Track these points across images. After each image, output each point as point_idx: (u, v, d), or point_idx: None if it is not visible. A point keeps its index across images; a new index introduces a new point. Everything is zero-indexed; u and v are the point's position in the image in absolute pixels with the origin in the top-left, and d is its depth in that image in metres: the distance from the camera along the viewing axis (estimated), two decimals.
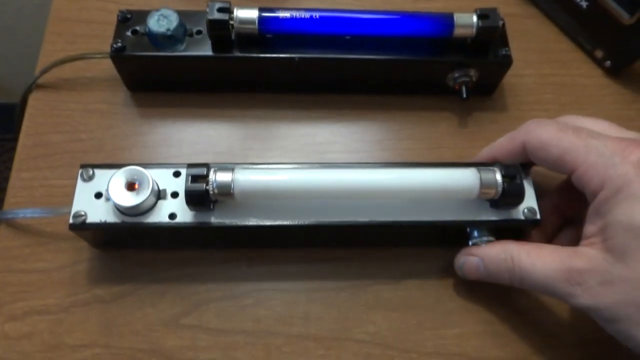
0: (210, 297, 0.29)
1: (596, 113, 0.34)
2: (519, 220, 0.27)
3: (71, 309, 0.28)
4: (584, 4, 0.35)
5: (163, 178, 0.27)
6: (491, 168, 0.27)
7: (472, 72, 0.32)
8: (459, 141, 0.33)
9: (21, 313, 0.28)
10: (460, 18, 0.31)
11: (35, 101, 0.34)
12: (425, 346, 0.29)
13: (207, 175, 0.26)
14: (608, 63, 0.36)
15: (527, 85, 0.35)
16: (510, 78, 0.35)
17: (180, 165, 0.28)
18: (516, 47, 0.33)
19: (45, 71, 0.33)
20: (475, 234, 0.28)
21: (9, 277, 0.29)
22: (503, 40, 0.32)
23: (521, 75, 0.36)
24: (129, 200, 0.26)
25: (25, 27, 0.79)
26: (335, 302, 0.29)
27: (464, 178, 0.26)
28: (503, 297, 0.30)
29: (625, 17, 0.32)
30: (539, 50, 0.37)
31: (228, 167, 0.26)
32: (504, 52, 0.32)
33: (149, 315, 0.28)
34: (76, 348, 0.27)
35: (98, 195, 0.27)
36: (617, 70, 0.36)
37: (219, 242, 0.30)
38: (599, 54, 0.36)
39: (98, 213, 0.27)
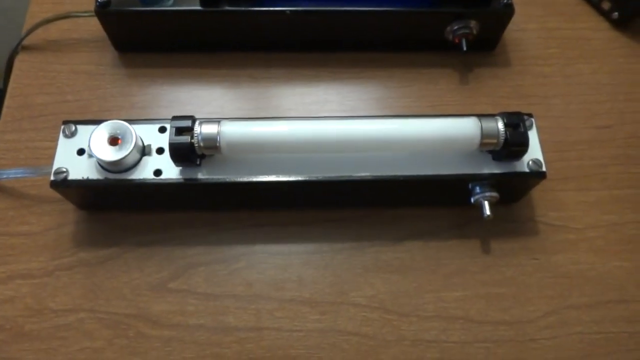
0: (199, 261, 0.28)
1: (603, 67, 0.32)
2: (524, 173, 0.26)
3: (55, 273, 0.27)
4: None
5: (148, 134, 0.26)
6: (493, 117, 0.25)
7: (472, 24, 0.31)
8: (460, 98, 0.32)
9: (4, 277, 0.27)
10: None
11: (20, 63, 0.33)
12: (425, 310, 0.27)
13: (192, 128, 0.24)
14: (615, 14, 0.34)
15: (530, 40, 0.34)
16: (513, 32, 0.33)
17: (166, 120, 0.26)
18: (519, 0, 0.31)
19: (30, 31, 0.32)
20: (477, 189, 0.26)
21: None
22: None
23: (524, 29, 0.34)
24: (112, 155, 0.25)
25: None
26: (331, 264, 0.28)
27: (465, 127, 0.25)
28: (508, 258, 0.28)
29: None
30: (543, 3, 0.35)
31: (214, 120, 0.25)
32: (505, 2, 0.30)
33: (136, 279, 0.27)
34: (60, 313, 0.26)
35: (80, 152, 0.26)
36: (625, 22, 0.34)
37: (208, 202, 0.29)
38: (606, 5, 0.34)
39: (80, 170, 0.25)
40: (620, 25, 0.34)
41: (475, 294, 0.28)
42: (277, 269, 0.28)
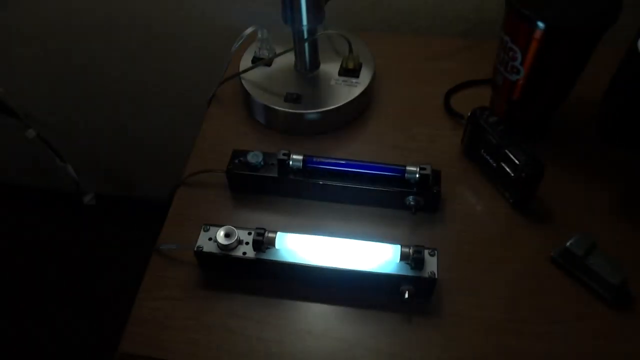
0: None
1: (500, 239, 0.57)
2: (425, 278, 0.50)
3: (187, 299, 0.54)
4: (494, 163, 0.59)
5: (243, 234, 0.54)
6: (406, 246, 0.51)
7: (419, 199, 0.57)
8: (406, 234, 0.57)
9: (159, 297, 0.54)
10: (409, 169, 0.56)
11: (179, 200, 0.62)
12: None
13: (263, 234, 0.52)
14: (511, 200, 0.59)
15: (459, 211, 0.59)
16: (448, 206, 0.59)
17: (252, 229, 0.54)
18: (448, 188, 0.57)
19: (185, 178, 0.63)
20: (402, 284, 0.51)
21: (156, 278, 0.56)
22: (436, 182, 0.57)
23: (455, 203, 0.60)
24: (225, 241, 0.52)
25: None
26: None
27: (390, 250, 0.50)
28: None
29: (512, 174, 0.56)
30: (470, 190, 0.61)
31: (273, 231, 0.52)
32: (436, 190, 0.57)
33: (226, 307, 0.53)
34: (181, 320, 0.53)
35: (210, 239, 0.54)
36: (517, 207, 0.59)
37: (268, 273, 0.55)
38: (505, 194, 0.60)
39: (209, 248, 0.53)
40: (517, 209, 0.59)
41: None
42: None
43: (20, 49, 1.10)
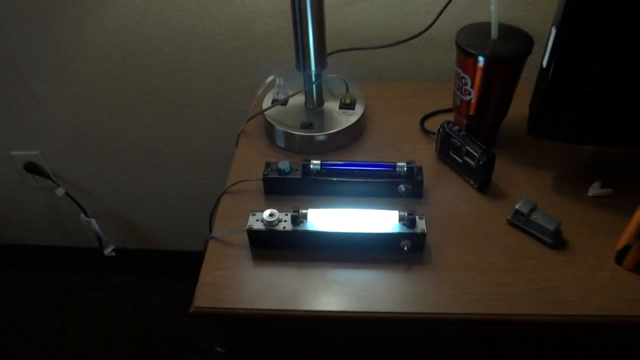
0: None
1: (470, 212, 0.77)
2: (418, 233, 0.70)
3: (238, 268, 0.72)
4: (460, 160, 0.81)
5: (281, 215, 0.73)
6: (402, 211, 0.70)
7: (408, 186, 0.78)
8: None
9: (218, 268, 0.72)
10: (399, 165, 0.77)
11: (224, 203, 0.81)
12: None
13: (298, 211, 0.71)
14: (475, 186, 0.80)
15: (437, 196, 0.80)
16: (429, 193, 0.80)
17: (288, 211, 0.73)
18: (428, 182, 0.78)
19: (228, 188, 0.82)
20: (402, 240, 0.70)
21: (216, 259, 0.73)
22: (419, 173, 0.78)
23: (434, 191, 0.80)
24: (269, 219, 0.71)
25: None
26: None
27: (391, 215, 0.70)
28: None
29: (472, 164, 0.78)
30: (444, 182, 0.82)
31: (305, 209, 0.72)
32: (419, 179, 0.77)
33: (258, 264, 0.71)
34: (237, 282, 0.70)
35: (257, 220, 0.73)
36: (480, 189, 0.80)
37: (305, 244, 0.73)
38: (470, 181, 0.81)
39: (257, 226, 0.72)
40: (478, 190, 0.80)
41: None
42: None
43: (53, 113, 1.29)
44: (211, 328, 1.51)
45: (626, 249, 0.68)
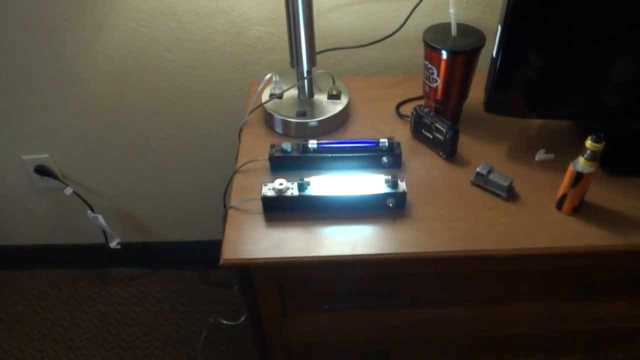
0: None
1: (440, 176, 0.94)
2: (400, 192, 0.87)
3: (255, 229, 0.87)
4: (430, 136, 0.98)
5: (289, 184, 0.89)
6: (387, 175, 0.87)
7: (389, 158, 0.94)
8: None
9: (239, 229, 0.87)
10: (381, 141, 0.94)
11: (237, 180, 0.97)
12: None
13: (303, 179, 0.87)
14: (444, 156, 0.97)
15: (414, 167, 0.97)
16: (407, 164, 0.97)
17: (295, 180, 0.89)
18: (405, 156, 0.95)
19: (239, 168, 0.98)
20: (388, 198, 0.87)
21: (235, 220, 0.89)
22: (398, 147, 0.95)
23: (411, 162, 0.97)
24: (280, 187, 0.87)
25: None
26: None
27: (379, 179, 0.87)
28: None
29: (441, 138, 0.95)
30: (419, 155, 0.99)
31: (309, 177, 0.88)
32: (398, 151, 0.94)
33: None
34: (256, 239, 0.86)
35: (269, 189, 0.88)
36: (448, 159, 0.97)
37: (309, 206, 0.89)
38: (440, 152, 0.98)
39: (269, 194, 0.88)
40: (447, 160, 0.98)
41: None
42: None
43: (62, 118, 1.42)
44: (214, 322, 1.65)
45: (563, 197, 0.86)
